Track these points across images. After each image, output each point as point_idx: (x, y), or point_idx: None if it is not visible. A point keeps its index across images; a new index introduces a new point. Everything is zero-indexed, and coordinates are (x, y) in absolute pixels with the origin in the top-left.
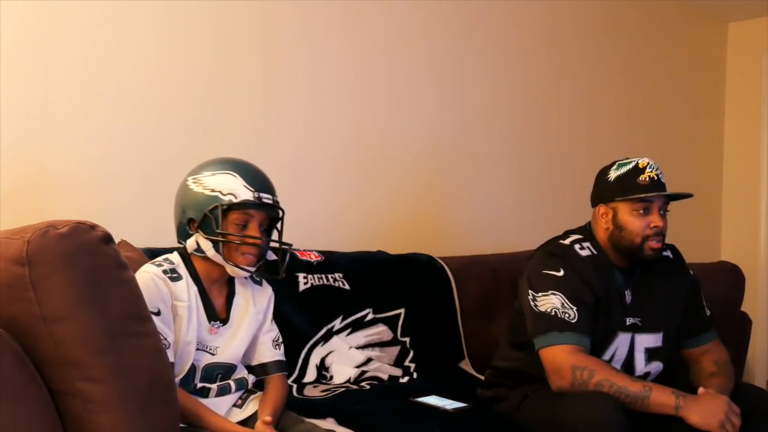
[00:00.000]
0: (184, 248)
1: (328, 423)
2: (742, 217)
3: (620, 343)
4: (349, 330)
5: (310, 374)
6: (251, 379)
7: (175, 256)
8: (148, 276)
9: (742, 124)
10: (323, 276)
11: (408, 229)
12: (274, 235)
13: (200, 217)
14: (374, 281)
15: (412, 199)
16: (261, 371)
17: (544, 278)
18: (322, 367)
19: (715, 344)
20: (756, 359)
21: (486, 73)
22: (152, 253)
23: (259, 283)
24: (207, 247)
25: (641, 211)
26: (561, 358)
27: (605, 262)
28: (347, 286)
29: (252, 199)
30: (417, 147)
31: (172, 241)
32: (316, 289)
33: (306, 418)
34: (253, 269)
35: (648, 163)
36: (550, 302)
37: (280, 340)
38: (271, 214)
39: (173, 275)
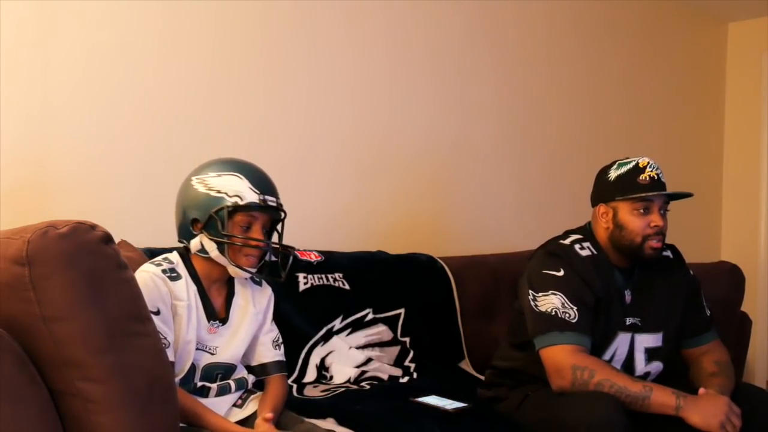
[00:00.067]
0: (184, 248)
1: (328, 423)
2: (742, 217)
3: (620, 343)
4: (349, 330)
5: (310, 374)
6: (251, 378)
7: (174, 256)
8: (147, 275)
9: (742, 124)
10: (323, 276)
11: (408, 229)
12: (275, 237)
13: (205, 218)
14: (374, 281)
15: (412, 199)
16: (261, 371)
17: (545, 278)
18: (322, 367)
19: (716, 344)
20: (756, 359)
21: (486, 73)
22: (152, 253)
23: (259, 284)
24: (211, 248)
25: (641, 211)
26: (561, 358)
27: (605, 262)
28: (347, 286)
29: (257, 201)
30: (417, 147)
31: (172, 241)
32: (316, 289)
33: (306, 418)
34: (254, 270)
35: (648, 163)
36: (551, 302)
37: (280, 340)
38: (274, 216)
39: (172, 275)
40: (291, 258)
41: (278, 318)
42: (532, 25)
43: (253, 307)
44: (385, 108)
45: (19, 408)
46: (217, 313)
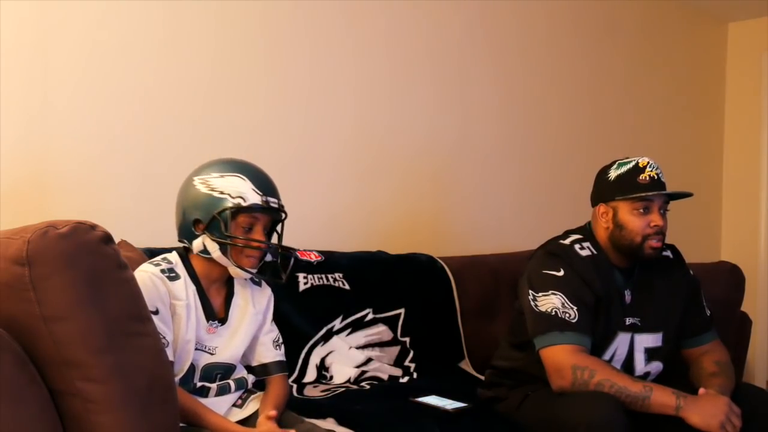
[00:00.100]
0: (183, 248)
1: (328, 423)
2: (742, 217)
3: (620, 343)
4: (349, 330)
5: (310, 374)
6: (251, 378)
7: (173, 256)
8: (145, 275)
9: (742, 124)
10: (323, 276)
11: (408, 229)
12: (274, 238)
13: (208, 218)
14: (374, 281)
15: (412, 199)
16: (262, 371)
17: (545, 278)
18: (322, 367)
19: (716, 344)
20: (756, 359)
21: (486, 74)
22: (152, 253)
23: (258, 284)
24: (213, 248)
25: (641, 210)
26: (562, 358)
27: (605, 262)
28: (347, 286)
29: (260, 203)
30: (417, 147)
31: (172, 241)
32: (316, 289)
33: (306, 418)
34: (254, 271)
35: (648, 163)
36: (551, 302)
37: (281, 340)
38: (274, 217)
39: (171, 274)
40: (292, 260)
41: (278, 318)
42: (532, 26)
43: (253, 308)
44: (386, 108)
45: (19, 408)
46: (216, 314)
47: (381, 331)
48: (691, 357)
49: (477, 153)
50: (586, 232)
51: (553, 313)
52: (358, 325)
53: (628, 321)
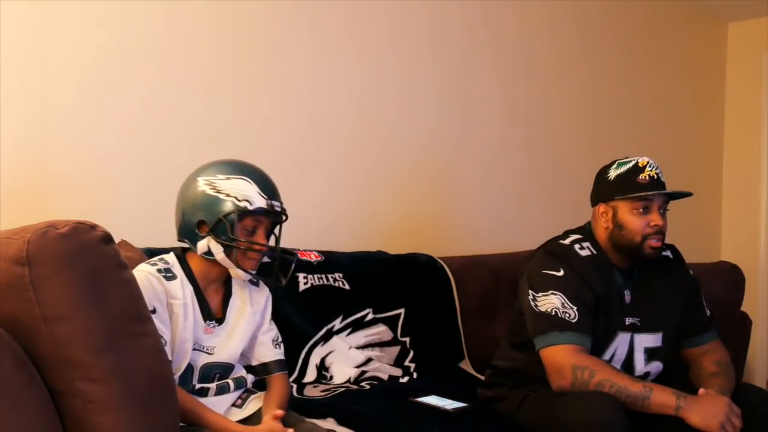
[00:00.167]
0: (180, 248)
1: (328, 423)
2: (742, 217)
3: (620, 342)
4: (349, 330)
5: (310, 374)
6: (250, 378)
7: (170, 257)
8: (142, 275)
9: (742, 124)
10: (323, 276)
11: (408, 229)
12: (272, 240)
13: (213, 220)
14: (374, 281)
15: (413, 200)
16: (263, 371)
17: (545, 278)
18: (322, 367)
19: (716, 344)
20: (756, 359)
21: (488, 74)
22: (152, 253)
23: (256, 284)
24: (218, 250)
25: (641, 210)
26: (562, 358)
27: (605, 262)
28: (347, 286)
29: (265, 206)
30: (419, 148)
31: (172, 241)
32: (316, 289)
33: (306, 418)
34: (254, 272)
35: (648, 162)
36: (551, 302)
37: (280, 339)
38: (275, 219)
39: (168, 274)
40: (294, 263)
41: (278, 318)
42: (534, 26)
43: (251, 307)
44: (388, 108)
45: (19, 408)
46: (213, 313)
47: (381, 331)
48: (691, 357)
49: (478, 153)
50: (586, 232)
51: (553, 313)
52: (358, 325)
53: (628, 321)
